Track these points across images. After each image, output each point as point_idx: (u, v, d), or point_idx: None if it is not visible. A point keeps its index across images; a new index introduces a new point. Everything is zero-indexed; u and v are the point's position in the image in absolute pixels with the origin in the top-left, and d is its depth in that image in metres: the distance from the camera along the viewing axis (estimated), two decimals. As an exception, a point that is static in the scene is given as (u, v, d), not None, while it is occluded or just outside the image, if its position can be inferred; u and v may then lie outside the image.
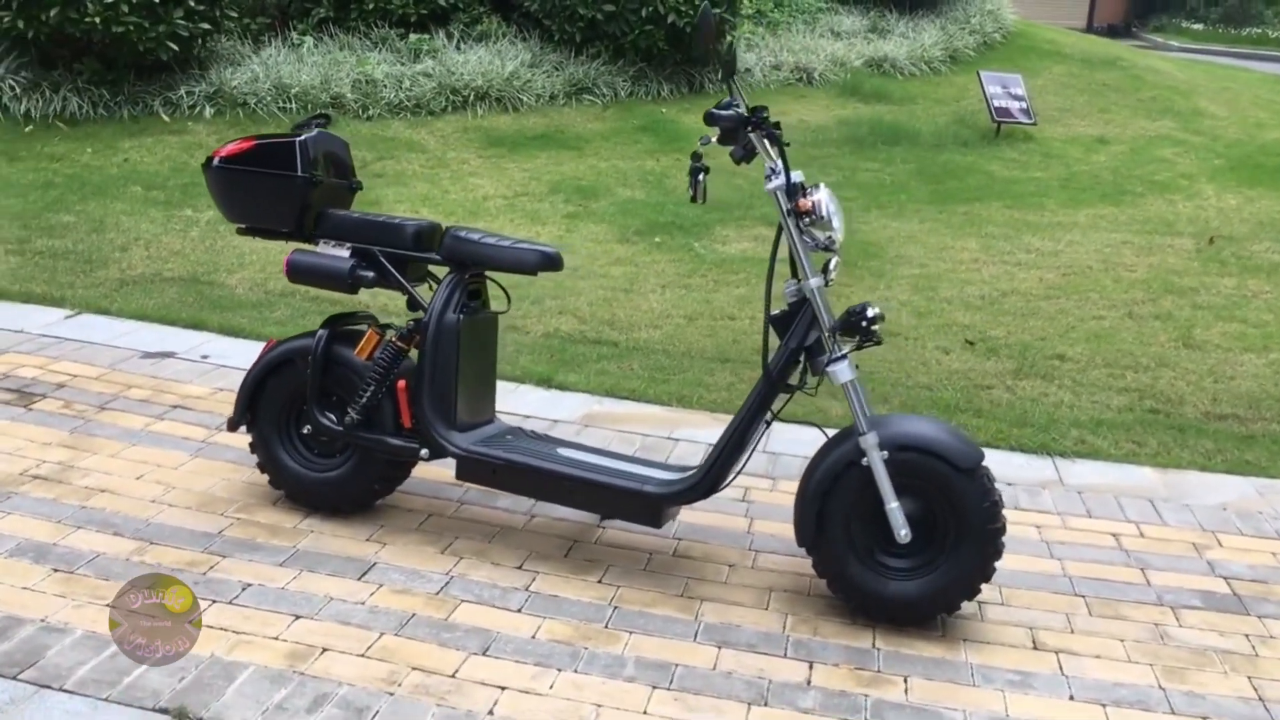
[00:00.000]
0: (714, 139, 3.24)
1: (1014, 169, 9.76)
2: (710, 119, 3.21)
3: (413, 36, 10.25)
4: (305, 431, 3.67)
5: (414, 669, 2.98)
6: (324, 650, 3.03)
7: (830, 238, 3.29)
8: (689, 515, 3.89)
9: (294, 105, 9.13)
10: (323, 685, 2.88)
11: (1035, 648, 3.28)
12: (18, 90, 8.60)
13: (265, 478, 3.78)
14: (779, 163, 3.25)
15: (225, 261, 6.34)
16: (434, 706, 2.84)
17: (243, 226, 3.74)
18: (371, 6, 10.38)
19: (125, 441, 4.15)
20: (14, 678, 2.81)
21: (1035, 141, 10.64)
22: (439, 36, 10.35)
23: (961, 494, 3.18)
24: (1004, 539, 3.25)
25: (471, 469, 3.53)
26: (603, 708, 2.89)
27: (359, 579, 3.39)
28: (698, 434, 4.53)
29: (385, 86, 9.54)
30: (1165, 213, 8.63)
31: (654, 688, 2.98)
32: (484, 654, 3.07)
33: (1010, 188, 9.16)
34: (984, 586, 3.29)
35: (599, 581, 3.48)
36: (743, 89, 11.13)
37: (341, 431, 3.57)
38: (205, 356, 5.04)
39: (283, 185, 3.57)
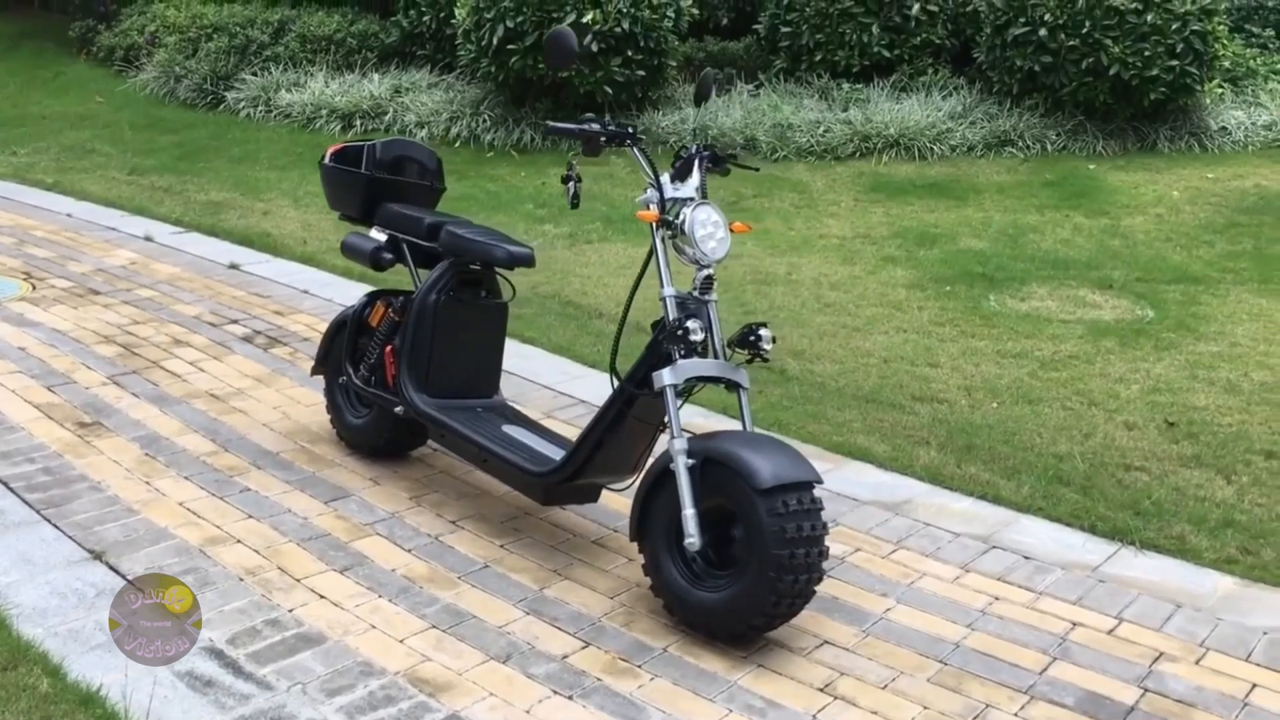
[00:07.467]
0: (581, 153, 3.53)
1: None
2: (547, 130, 3.52)
3: (845, 86, 10.68)
4: (341, 381, 4.44)
5: (279, 568, 3.64)
6: (237, 541, 3.78)
7: (696, 255, 3.43)
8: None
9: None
10: (203, 562, 3.64)
11: (822, 689, 3.15)
12: (489, 123, 10.40)
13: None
14: (655, 178, 3.47)
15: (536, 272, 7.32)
16: (258, 595, 3.48)
17: (340, 214, 4.61)
18: (819, 59, 10.98)
19: (296, 382, 5.21)
20: (39, 511, 3.89)
21: None
22: (878, 86, 10.68)
23: (753, 513, 3.15)
24: (810, 572, 3.16)
25: (432, 430, 4.08)
26: (373, 629, 3.34)
27: (325, 503, 4.09)
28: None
29: (800, 131, 10.09)
30: None
31: (432, 627, 3.36)
32: (341, 572, 3.64)
33: None
34: (849, 628, 3.20)
35: (501, 546, 3.86)
36: (1200, 147, 10.12)
37: (357, 384, 4.29)
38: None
39: (352, 179, 4.39)
